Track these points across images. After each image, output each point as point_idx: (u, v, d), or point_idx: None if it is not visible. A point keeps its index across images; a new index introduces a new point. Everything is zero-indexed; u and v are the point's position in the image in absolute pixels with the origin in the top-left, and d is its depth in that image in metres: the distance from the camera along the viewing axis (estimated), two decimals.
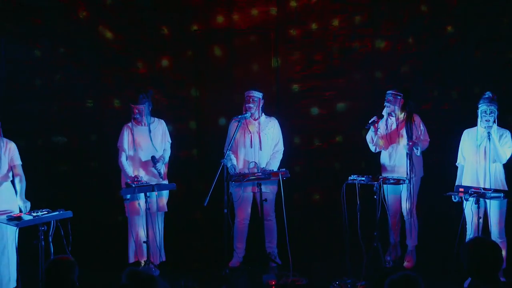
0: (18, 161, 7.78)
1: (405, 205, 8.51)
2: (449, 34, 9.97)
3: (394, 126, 8.59)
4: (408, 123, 8.46)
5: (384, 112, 8.58)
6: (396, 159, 8.57)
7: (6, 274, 7.62)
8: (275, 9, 10.26)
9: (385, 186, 8.22)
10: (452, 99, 10.02)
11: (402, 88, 8.60)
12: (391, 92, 8.55)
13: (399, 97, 8.52)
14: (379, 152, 8.74)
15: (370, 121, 8.47)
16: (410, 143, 8.29)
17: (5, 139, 7.74)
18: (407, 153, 8.33)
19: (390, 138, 8.61)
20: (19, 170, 7.78)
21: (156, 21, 10.21)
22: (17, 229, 7.20)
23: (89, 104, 10.13)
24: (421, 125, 8.55)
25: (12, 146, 7.75)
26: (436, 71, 10.01)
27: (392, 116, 8.59)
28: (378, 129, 8.55)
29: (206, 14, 10.28)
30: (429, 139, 8.57)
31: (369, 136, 8.63)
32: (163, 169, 8.53)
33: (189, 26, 10.29)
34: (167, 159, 8.65)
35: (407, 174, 8.32)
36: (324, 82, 10.30)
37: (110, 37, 10.12)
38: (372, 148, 8.69)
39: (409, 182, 8.30)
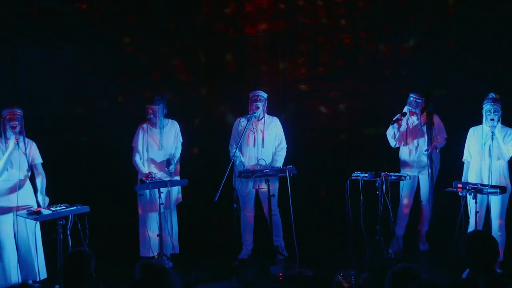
0: (39, 160, 7.82)
1: (425, 196, 8.70)
2: (449, 37, 9.94)
3: (415, 124, 8.65)
4: (428, 123, 8.51)
5: (406, 110, 8.61)
6: (416, 155, 8.67)
7: (34, 266, 7.66)
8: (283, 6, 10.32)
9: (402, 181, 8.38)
10: (452, 100, 9.99)
11: (423, 92, 8.62)
12: (413, 96, 8.59)
13: (420, 101, 8.56)
14: (388, 149, 8.78)
15: (394, 119, 8.52)
16: (429, 149, 8.41)
17: (27, 139, 7.76)
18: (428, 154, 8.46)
19: (411, 135, 8.66)
20: (40, 168, 7.83)
21: (169, 25, 10.23)
22: (37, 223, 7.28)
23: (105, 104, 10.17)
24: (440, 124, 8.66)
25: (33, 146, 7.80)
26: (437, 73, 9.99)
27: (413, 116, 8.63)
28: (401, 126, 8.59)
29: (218, 19, 10.30)
30: (446, 136, 8.68)
31: (392, 132, 8.65)
32: (173, 167, 8.57)
33: (201, 31, 10.31)
34: (177, 157, 8.68)
35: (428, 170, 8.47)
36: (329, 84, 10.30)
37: (126, 41, 10.14)
38: (393, 143, 8.73)
39: (430, 174, 8.48)
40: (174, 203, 8.67)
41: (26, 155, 7.69)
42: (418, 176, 8.68)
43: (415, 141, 8.67)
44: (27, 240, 7.64)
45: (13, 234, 7.61)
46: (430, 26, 9.96)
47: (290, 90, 10.36)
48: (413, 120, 8.68)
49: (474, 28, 9.79)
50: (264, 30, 10.33)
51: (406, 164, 8.75)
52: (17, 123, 7.59)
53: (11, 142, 7.53)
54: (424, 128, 8.60)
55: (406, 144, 8.73)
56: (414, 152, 8.69)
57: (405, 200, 8.75)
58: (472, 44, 9.82)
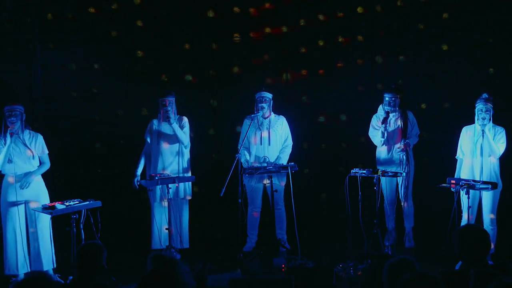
0: (44, 152, 7.82)
1: (402, 193, 8.59)
2: (442, 41, 9.92)
3: (393, 123, 8.60)
4: (403, 120, 8.48)
5: (387, 108, 8.55)
6: (393, 152, 8.60)
7: (45, 256, 7.71)
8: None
9: (383, 178, 8.32)
10: (445, 100, 9.98)
11: (397, 89, 8.59)
12: (389, 96, 8.52)
13: (395, 99, 8.51)
14: (375, 147, 8.78)
15: (383, 118, 8.49)
16: (403, 147, 8.37)
17: (32, 132, 7.81)
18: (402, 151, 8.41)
19: (390, 135, 8.60)
20: (43, 159, 7.84)
21: (177, 29, 10.23)
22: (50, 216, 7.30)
23: (116, 105, 10.20)
24: (414, 120, 8.62)
25: (37, 139, 7.79)
26: (430, 75, 9.98)
27: (391, 114, 8.57)
28: (387, 124, 8.55)
29: (223, 24, 10.29)
30: (419, 132, 8.65)
31: (380, 132, 8.55)
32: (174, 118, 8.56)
33: (208, 35, 10.30)
34: (186, 140, 8.61)
35: (402, 166, 8.37)
36: (329, 85, 10.29)
37: (138, 51, 10.17)
38: (380, 142, 8.63)
39: (406, 173, 8.39)
40: (185, 198, 8.67)
41: (30, 149, 7.70)
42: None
43: (393, 139, 8.61)
44: (35, 233, 7.68)
45: (19, 226, 7.68)
46: (424, 30, 9.93)
47: (291, 90, 10.35)
48: (391, 118, 8.61)
49: (467, 32, 9.78)
50: (267, 33, 10.32)
51: (383, 162, 8.69)
52: (14, 119, 7.59)
53: (8, 138, 7.54)
54: (400, 124, 8.54)
55: (387, 143, 8.67)
56: (392, 149, 8.62)
57: (389, 196, 8.71)
58: (465, 47, 9.81)
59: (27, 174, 7.68)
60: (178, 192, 8.55)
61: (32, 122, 7.82)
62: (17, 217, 7.66)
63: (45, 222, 7.62)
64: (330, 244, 8.94)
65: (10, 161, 7.61)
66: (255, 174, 8.42)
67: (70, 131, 9.88)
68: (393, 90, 8.57)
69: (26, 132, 7.75)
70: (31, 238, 7.74)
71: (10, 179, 7.65)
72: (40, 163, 7.84)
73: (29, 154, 7.69)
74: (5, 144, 7.55)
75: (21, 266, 7.69)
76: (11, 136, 7.54)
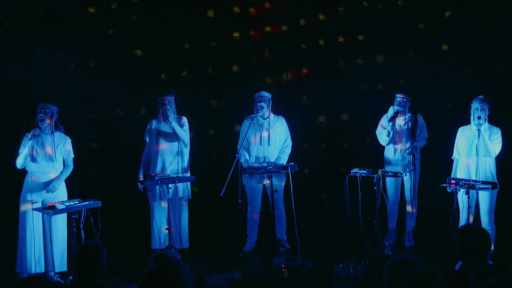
0: (69, 156, 7.91)
1: (409, 193, 8.67)
2: (442, 41, 9.93)
3: (401, 124, 8.66)
4: (413, 122, 8.53)
5: (397, 108, 8.59)
6: (401, 154, 8.64)
7: (57, 258, 7.70)
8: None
9: (387, 178, 8.36)
10: (444, 100, 9.99)
11: (409, 92, 8.64)
12: (401, 96, 8.59)
13: (406, 100, 8.55)
14: (382, 147, 8.79)
15: (391, 117, 8.54)
16: (410, 150, 8.46)
17: (62, 135, 7.89)
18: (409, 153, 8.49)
19: (398, 135, 8.67)
20: (67, 162, 7.91)
21: (176, 29, 10.23)
22: (51, 217, 7.29)
23: (116, 105, 10.21)
24: (423, 124, 8.67)
25: (67, 141, 7.90)
26: (430, 74, 9.99)
27: (400, 116, 8.62)
28: (395, 124, 8.61)
29: (223, 23, 10.29)
30: (427, 136, 8.70)
31: (385, 131, 8.61)
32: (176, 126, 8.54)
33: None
34: (186, 139, 8.62)
35: (409, 167, 8.46)
36: (329, 84, 10.29)
37: (137, 50, 10.17)
38: (385, 141, 8.70)
39: (413, 173, 8.51)
40: (185, 198, 8.68)
41: (55, 150, 7.76)
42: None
43: (401, 140, 8.67)
44: (50, 233, 7.69)
45: (34, 225, 7.66)
46: (425, 30, 9.94)
47: (291, 90, 10.35)
48: (400, 120, 8.68)
49: (467, 32, 9.79)
50: (267, 33, 10.32)
51: (390, 162, 8.74)
52: (42, 116, 7.69)
53: (26, 140, 7.63)
54: (410, 125, 8.61)
55: (394, 143, 8.73)
56: (399, 151, 8.68)
57: (391, 196, 8.75)
58: (465, 47, 9.82)
59: (56, 178, 7.76)
60: (177, 192, 8.54)
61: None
62: (34, 216, 7.65)
63: (60, 224, 7.65)
64: (330, 244, 8.96)
65: (34, 160, 7.66)
66: (255, 174, 8.43)
67: (69, 131, 9.86)
68: (405, 91, 8.65)
69: (57, 133, 7.82)
70: (46, 239, 7.74)
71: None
72: (64, 165, 7.89)
73: (52, 155, 7.75)
74: (29, 141, 7.63)
75: (33, 266, 7.65)
76: (31, 138, 7.60)
